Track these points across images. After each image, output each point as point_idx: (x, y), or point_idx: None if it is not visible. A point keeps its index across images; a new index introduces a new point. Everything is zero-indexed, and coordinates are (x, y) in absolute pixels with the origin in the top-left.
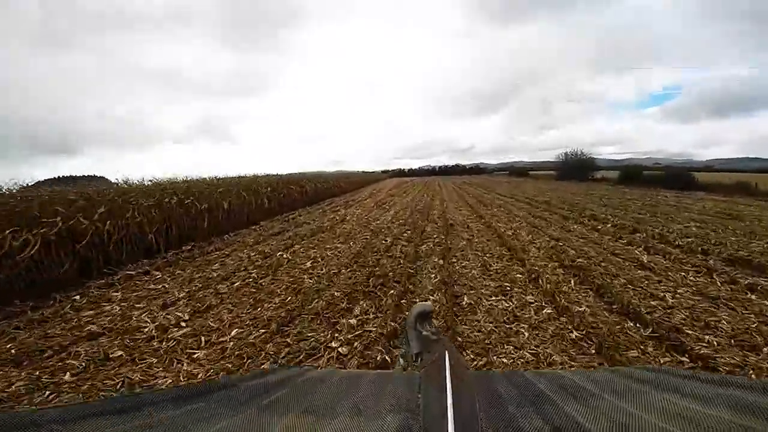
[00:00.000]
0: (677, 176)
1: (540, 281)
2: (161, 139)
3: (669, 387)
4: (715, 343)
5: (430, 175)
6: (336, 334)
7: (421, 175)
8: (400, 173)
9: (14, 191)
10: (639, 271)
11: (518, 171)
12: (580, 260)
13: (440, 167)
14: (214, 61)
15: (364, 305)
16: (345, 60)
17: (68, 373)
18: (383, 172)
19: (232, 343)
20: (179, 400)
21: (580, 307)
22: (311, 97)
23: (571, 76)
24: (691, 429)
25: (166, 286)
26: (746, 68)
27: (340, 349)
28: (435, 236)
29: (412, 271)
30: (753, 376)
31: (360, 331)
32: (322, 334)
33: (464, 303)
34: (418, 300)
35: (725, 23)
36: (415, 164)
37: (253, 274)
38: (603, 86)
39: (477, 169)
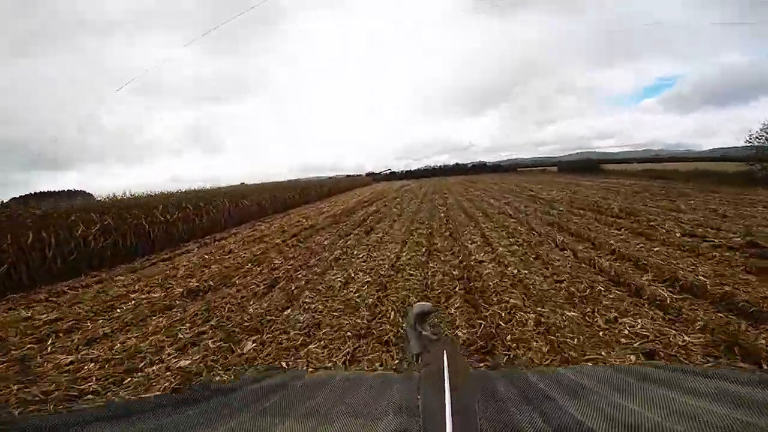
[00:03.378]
0: None
1: None
2: (151, 149)
3: (668, 383)
4: None
5: (429, 176)
6: None
7: (417, 177)
8: (391, 176)
9: None
10: None
11: (581, 165)
12: None
13: (441, 167)
14: (201, 65)
15: None
16: (336, 60)
17: None
18: (369, 174)
19: None
20: (178, 405)
21: None
22: (302, 100)
23: (566, 70)
24: (691, 424)
25: None
26: (744, 56)
27: None
28: None
29: None
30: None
31: None
32: None
33: None
34: None
35: (723, 10)
36: (414, 165)
37: None
38: (599, 79)
39: (486, 167)
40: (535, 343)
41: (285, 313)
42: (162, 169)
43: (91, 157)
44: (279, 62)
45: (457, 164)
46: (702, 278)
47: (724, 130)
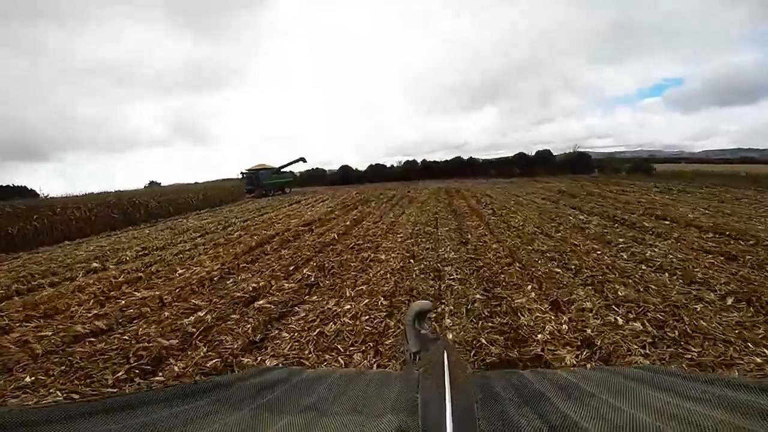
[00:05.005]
0: None
1: None
2: (134, 140)
3: (665, 387)
4: None
5: (428, 176)
6: None
7: (411, 177)
8: (378, 172)
9: None
10: None
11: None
12: None
13: (459, 164)
14: (184, 51)
15: None
16: (324, 51)
17: None
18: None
19: None
20: (177, 399)
21: None
22: (287, 92)
23: (568, 67)
24: (687, 428)
25: None
26: (752, 55)
27: None
28: None
29: None
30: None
31: None
32: None
33: None
34: None
35: (732, 8)
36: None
37: None
38: (602, 76)
39: (510, 162)
40: None
41: None
42: (143, 161)
43: (70, 148)
44: (263, 53)
45: (471, 159)
46: None
47: (721, 132)
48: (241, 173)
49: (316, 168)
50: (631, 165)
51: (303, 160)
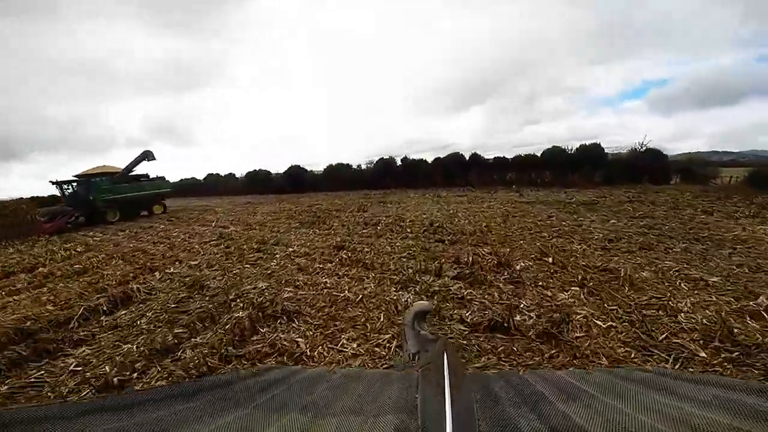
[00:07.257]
0: None
1: None
2: (113, 141)
3: (664, 388)
4: None
5: (417, 184)
6: None
7: (384, 184)
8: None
9: None
10: None
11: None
12: None
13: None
14: (165, 49)
15: None
16: (316, 52)
17: None
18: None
19: None
20: (177, 398)
21: None
22: (280, 93)
23: (554, 68)
24: (685, 429)
25: None
26: (733, 57)
27: None
28: None
29: None
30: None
31: None
32: None
33: None
34: None
35: (716, 10)
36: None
37: None
38: (587, 78)
39: (548, 162)
40: None
41: None
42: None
43: (45, 149)
44: (262, 52)
45: (475, 157)
46: None
47: (696, 134)
48: (55, 183)
49: (260, 170)
50: (753, 171)
51: (148, 157)
